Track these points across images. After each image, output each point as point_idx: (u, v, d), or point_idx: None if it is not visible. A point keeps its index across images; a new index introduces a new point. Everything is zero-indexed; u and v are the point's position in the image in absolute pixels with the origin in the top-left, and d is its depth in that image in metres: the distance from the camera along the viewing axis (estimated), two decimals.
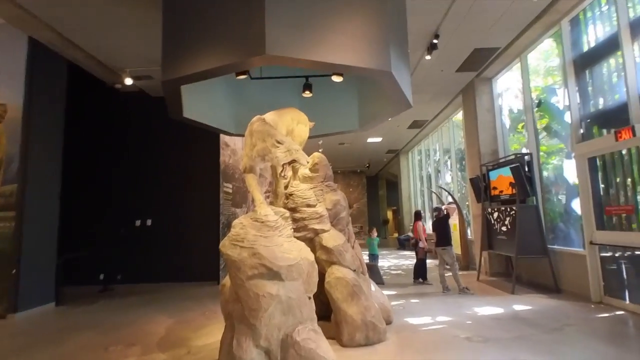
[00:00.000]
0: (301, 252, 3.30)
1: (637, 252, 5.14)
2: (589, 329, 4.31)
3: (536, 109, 7.07)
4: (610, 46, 5.27)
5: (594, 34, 5.73)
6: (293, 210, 4.23)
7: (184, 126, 5.48)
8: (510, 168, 6.50)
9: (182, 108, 4.27)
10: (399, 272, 9.49)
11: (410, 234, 16.33)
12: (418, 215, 8.24)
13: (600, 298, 5.47)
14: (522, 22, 6.18)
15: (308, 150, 4.44)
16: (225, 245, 3.12)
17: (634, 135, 4.62)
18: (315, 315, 3.24)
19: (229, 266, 3.08)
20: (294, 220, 4.18)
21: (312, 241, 4.21)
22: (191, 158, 8.49)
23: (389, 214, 26.58)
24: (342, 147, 15.42)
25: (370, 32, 3.37)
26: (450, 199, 10.64)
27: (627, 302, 5.09)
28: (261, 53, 2.97)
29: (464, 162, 12.34)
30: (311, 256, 3.48)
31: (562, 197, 7.16)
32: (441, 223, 6.92)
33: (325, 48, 3.16)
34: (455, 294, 6.40)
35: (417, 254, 7.90)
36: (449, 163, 12.89)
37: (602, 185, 5.54)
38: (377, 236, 8.87)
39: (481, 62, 7.67)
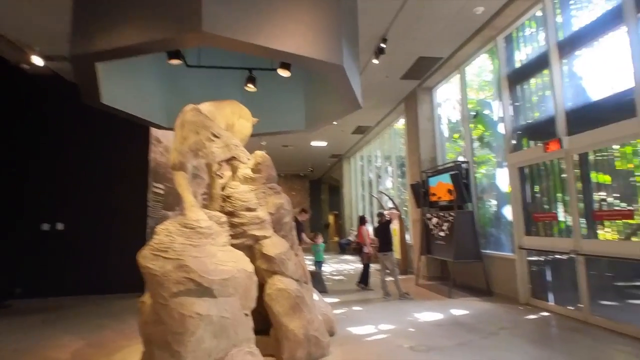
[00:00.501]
0: (238, 263, 2.90)
1: (557, 256, 5.53)
2: (521, 331, 4.46)
3: (472, 120, 7.41)
4: (540, 63, 5.64)
5: (525, 52, 6.13)
6: (231, 214, 3.79)
7: (109, 117, 4.73)
8: (450, 175, 6.70)
9: (100, 92, 3.60)
10: (340, 277, 9.37)
11: (351, 238, 16.49)
12: (363, 220, 8.19)
13: (527, 300, 5.79)
14: (463, 35, 6.42)
15: (249, 151, 4.04)
16: (144, 256, 2.60)
17: (561, 147, 4.95)
18: (252, 335, 2.85)
19: (148, 281, 2.58)
20: (232, 225, 3.75)
21: (251, 249, 3.81)
22: (116, 154, 7.51)
23: (331, 218, 26.74)
24: (286, 149, 15.07)
25: (323, 21, 3.10)
26: (390, 204, 10.82)
27: (551, 303, 5.44)
28: (196, 30, 2.53)
29: (403, 169, 12.72)
30: (250, 267, 3.09)
31: (493, 204, 7.59)
32: (383, 228, 6.90)
33: (272, 33, 2.81)
34: (395, 299, 6.39)
35: (362, 259, 7.82)
36: (389, 169, 13.20)
37: (530, 193, 5.90)
38: (323, 242, 8.65)
39: (424, 71, 7.88)
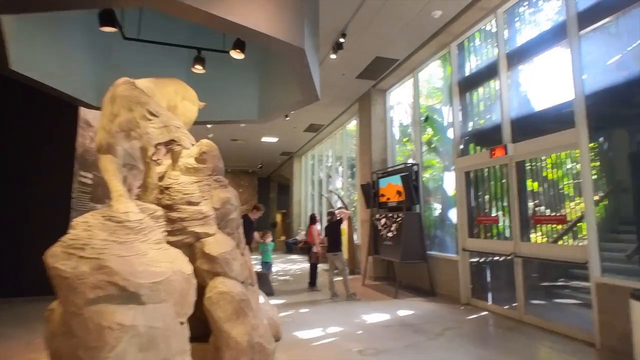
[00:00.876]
0: (174, 264, 2.51)
1: (496, 258, 5.79)
2: (464, 331, 4.55)
3: (423, 123, 7.58)
4: (489, 73, 5.87)
5: (475, 61, 6.36)
6: (169, 208, 3.35)
7: (29, 93, 4.00)
8: (401, 176, 6.75)
9: (7, 56, 2.97)
10: (287, 277, 9.09)
11: (299, 238, 16.29)
12: (313, 219, 7.99)
13: (468, 300, 5.99)
14: (420, 38, 6.50)
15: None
16: (54, 255, 2.12)
17: (506, 153, 5.17)
18: (188, 346, 2.48)
19: (57, 286, 2.11)
20: (170, 220, 3.31)
21: (191, 247, 3.40)
22: (37, 137, 6.51)
23: (278, 217, 26.34)
24: (234, 144, 14.43)
25: None
26: (340, 204, 10.78)
27: (489, 302, 5.67)
28: None
29: (354, 170, 12.79)
30: (188, 268, 2.71)
31: (438, 207, 7.82)
32: (334, 228, 6.77)
33: (229, 2, 2.47)
34: (343, 300, 6.27)
35: (310, 259, 7.62)
36: (340, 169, 13.21)
37: (474, 197, 6.12)
38: (272, 241, 8.31)
39: (380, 72, 7.90)
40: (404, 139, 9.33)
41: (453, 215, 6.68)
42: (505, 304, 5.37)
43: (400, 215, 6.92)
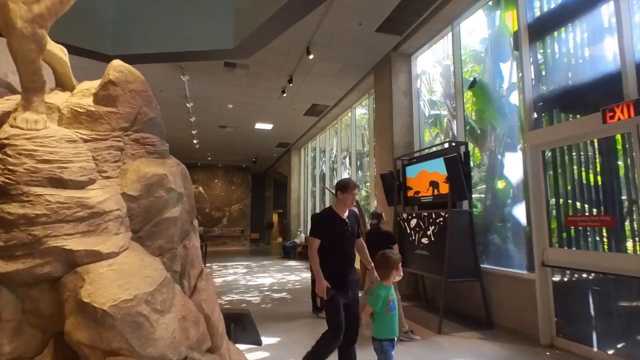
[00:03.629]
0: None
1: (600, 278, 3.85)
2: None
3: (471, 88, 5.61)
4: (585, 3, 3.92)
5: None
6: (1, 192, 1.39)
7: None
8: (445, 160, 4.77)
9: None
10: (284, 294, 7.11)
11: (297, 240, 14.26)
12: None
13: (551, 339, 4.04)
14: None
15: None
16: None
17: (636, 113, 3.21)
18: None
19: None
20: (3, 224, 1.35)
21: (57, 289, 1.45)
22: None
23: (275, 218, 24.35)
24: (223, 132, 12.42)
25: None
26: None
27: (594, 348, 3.71)
28: None
29: (362, 161, 10.83)
30: None
31: (493, 201, 5.86)
32: (378, 238, 4.67)
33: None
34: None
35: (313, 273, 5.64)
36: (347, 161, 11.23)
37: (563, 187, 4.16)
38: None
39: (408, 22, 5.92)
40: (429, 119, 7.41)
41: (519, 213, 4.74)
42: (618, 349, 3.43)
43: (443, 214, 4.96)
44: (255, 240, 19.74)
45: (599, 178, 3.77)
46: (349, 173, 10.95)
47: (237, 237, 19.13)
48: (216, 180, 19.21)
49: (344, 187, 2.96)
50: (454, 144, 5.05)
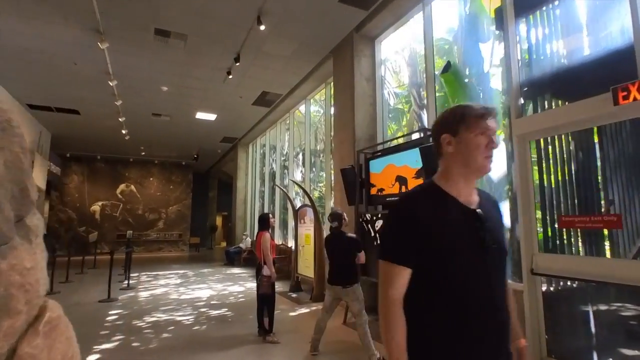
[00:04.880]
0: None
1: (599, 288, 3.33)
2: None
3: (445, 73, 4.98)
4: None
5: None
6: None
7: None
8: (422, 149, 4.03)
9: None
10: (223, 311, 5.94)
11: (242, 245, 12.98)
12: (264, 222, 4.94)
13: None
14: None
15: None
16: None
17: None
18: None
19: None
20: None
21: None
22: None
23: (219, 220, 22.67)
24: (158, 121, 10.84)
25: None
26: (301, 201, 7.90)
27: None
28: None
29: (315, 160, 10.00)
30: None
31: None
32: (341, 243, 3.84)
33: None
34: None
35: (258, 287, 4.60)
36: (300, 157, 10.31)
37: (555, 181, 3.60)
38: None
39: None
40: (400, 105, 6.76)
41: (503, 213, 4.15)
42: None
43: None
44: (195, 245, 17.99)
45: (598, 172, 3.25)
46: (302, 171, 10.04)
47: (175, 242, 17.27)
48: (151, 179, 17.20)
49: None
50: (428, 130, 4.34)
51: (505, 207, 4.14)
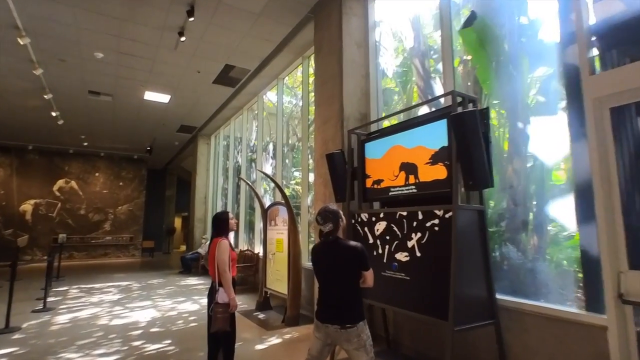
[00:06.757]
0: None
1: None
2: None
3: (466, 27, 3.75)
4: None
5: None
6: None
7: None
8: (454, 117, 2.76)
9: None
10: (164, 343, 4.39)
11: (201, 251, 11.23)
12: (220, 225, 3.44)
13: None
14: None
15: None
16: None
17: None
18: None
19: None
20: None
21: None
22: None
23: (178, 222, 20.62)
24: (97, 103, 8.96)
25: None
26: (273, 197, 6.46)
27: None
28: None
29: (288, 154, 8.60)
30: None
31: (511, 193, 4.08)
32: (341, 253, 2.44)
33: None
34: None
35: (211, 322, 3.10)
36: (270, 148, 8.86)
37: None
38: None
39: None
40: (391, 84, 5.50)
41: (562, 212, 2.98)
42: None
43: (440, 213, 2.95)
44: (149, 250, 15.94)
45: None
46: (272, 165, 8.59)
47: (125, 246, 15.16)
48: (97, 174, 14.99)
49: None
50: (459, 98, 3.07)
51: (568, 203, 2.95)
